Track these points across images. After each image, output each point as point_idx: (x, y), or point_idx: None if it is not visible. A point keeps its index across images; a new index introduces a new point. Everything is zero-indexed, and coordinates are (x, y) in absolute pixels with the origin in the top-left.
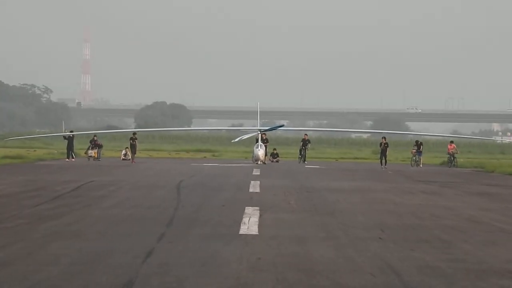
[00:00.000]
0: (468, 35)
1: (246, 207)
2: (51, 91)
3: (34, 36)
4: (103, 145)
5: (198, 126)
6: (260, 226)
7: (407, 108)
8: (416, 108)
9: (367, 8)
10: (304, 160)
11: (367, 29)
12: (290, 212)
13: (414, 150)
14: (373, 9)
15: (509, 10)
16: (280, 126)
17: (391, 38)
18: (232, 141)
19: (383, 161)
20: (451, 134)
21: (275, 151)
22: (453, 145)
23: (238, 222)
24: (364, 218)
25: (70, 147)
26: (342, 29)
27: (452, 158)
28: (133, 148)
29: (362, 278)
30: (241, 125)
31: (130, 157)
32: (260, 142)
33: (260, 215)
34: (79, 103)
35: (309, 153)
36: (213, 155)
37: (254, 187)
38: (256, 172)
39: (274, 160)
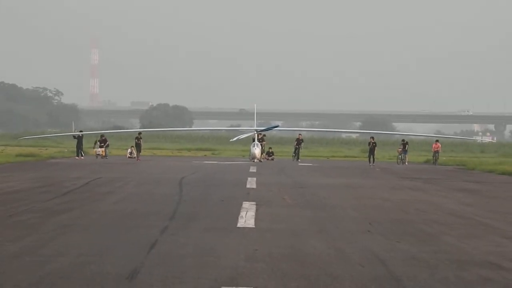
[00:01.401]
0: (454, 42)
1: (244, 202)
2: (62, 94)
3: (47, 42)
4: (110, 144)
5: (199, 126)
6: (256, 220)
7: (460, 111)
8: (468, 111)
9: (358, 15)
10: (298, 158)
11: (357, 37)
12: (284, 207)
13: (400, 149)
14: (364, 17)
15: (490, 16)
16: (275, 127)
17: (379, 45)
18: (231, 140)
19: (371, 159)
20: (434, 134)
21: (270, 150)
22: (438, 143)
23: (236, 216)
24: (353, 212)
25: (79, 146)
26: (335, 34)
27: (436, 156)
28: (138, 146)
29: (351, 268)
30: (239, 126)
31: (135, 155)
32: (256, 142)
33: (257, 210)
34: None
35: (302, 151)
36: (213, 154)
37: (251, 183)
38: (253, 169)
39: (270, 158)
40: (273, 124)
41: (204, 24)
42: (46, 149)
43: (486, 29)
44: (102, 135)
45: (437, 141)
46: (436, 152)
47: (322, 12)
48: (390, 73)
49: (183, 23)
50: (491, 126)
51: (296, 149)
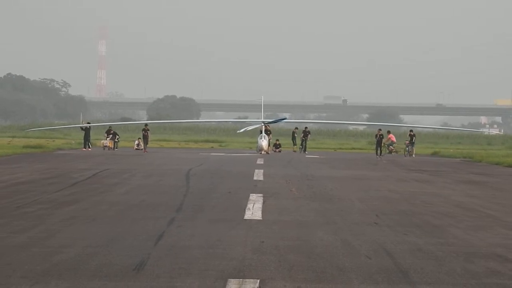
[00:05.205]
0: (460, 37)
1: (251, 194)
2: (69, 85)
3: (54, 34)
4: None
5: (206, 118)
6: (263, 211)
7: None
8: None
9: (363, 12)
10: (305, 150)
11: (364, 33)
12: (291, 199)
13: (408, 141)
14: (368, 14)
15: (496, 15)
16: (283, 119)
17: (386, 40)
18: (238, 131)
19: (379, 151)
20: (441, 126)
21: (277, 142)
22: (391, 134)
23: (243, 208)
24: (360, 204)
25: (86, 137)
26: (339, 31)
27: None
28: (145, 138)
29: (358, 260)
30: (246, 118)
31: (142, 147)
32: (263, 134)
33: (264, 202)
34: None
35: (309, 143)
36: (220, 145)
37: (258, 175)
38: (260, 161)
39: (277, 150)
40: (281, 116)
41: (206, 24)
42: (54, 140)
43: (488, 27)
44: (110, 127)
45: (389, 131)
46: (390, 144)
47: (326, 11)
48: (396, 68)
49: (185, 22)
50: (498, 119)
51: (303, 141)
